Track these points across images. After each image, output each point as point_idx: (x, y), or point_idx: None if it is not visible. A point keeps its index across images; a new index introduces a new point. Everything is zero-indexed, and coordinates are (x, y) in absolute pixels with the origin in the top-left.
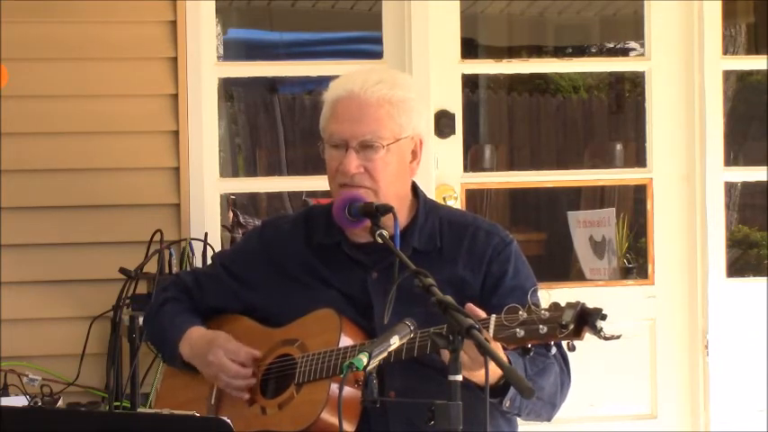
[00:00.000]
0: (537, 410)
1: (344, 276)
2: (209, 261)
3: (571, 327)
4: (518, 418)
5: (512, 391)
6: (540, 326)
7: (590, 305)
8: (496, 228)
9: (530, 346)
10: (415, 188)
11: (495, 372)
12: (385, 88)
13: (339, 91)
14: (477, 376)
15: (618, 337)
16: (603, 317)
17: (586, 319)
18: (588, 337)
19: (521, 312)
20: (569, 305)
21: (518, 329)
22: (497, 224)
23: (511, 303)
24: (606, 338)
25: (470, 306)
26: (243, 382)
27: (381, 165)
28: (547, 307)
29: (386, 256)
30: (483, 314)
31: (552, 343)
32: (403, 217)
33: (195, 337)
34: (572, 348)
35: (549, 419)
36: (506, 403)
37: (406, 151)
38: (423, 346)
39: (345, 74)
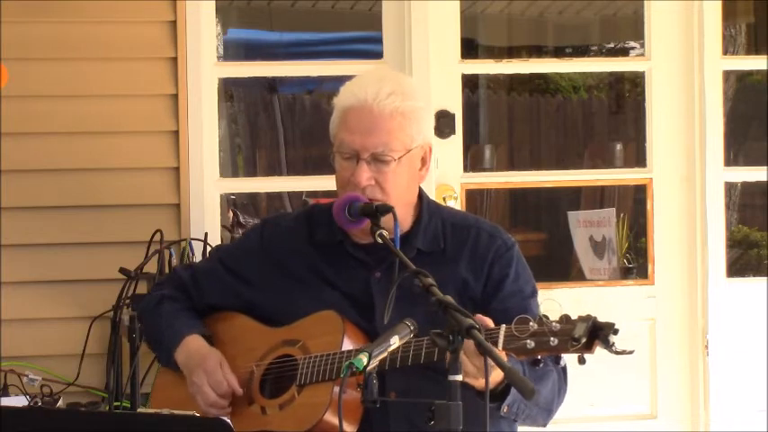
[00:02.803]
0: (533, 416)
1: (347, 276)
2: None
3: (583, 340)
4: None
5: (510, 397)
6: (551, 338)
7: (601, 319)
8: (499, 230)
9: (539, 357)
10: (418, 190)
11: (494, 378)
12: (398, 100)
13: (351, 99)
14: (480, 383)
15: (630, 352)
16: (616, 331)
17: (598, 334)
18: None
19: (531, 324)
20: (581, 318)
21: (528, 341)
22: (499, 226)
23: (510, 307)
24: (617, 353)
25: (479, 317)
26: (217, 413)
27: (392, 177)
28: (557, 319)
29: (388, 256)
30: (491, 324)
31: (561, 355)
32: (407, 219)
33: (191, 349)
34: (582, 362)
35: (544, 425)
36: (504, 409)
37: (416, 160)
38: (429, 353)
39: (355, 79)
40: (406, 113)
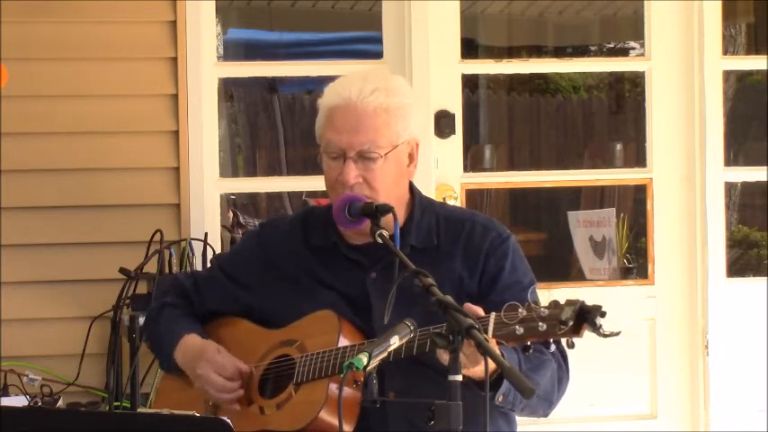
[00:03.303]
0: (532, 407)
1: (343, 277)
2: (208, 261)
3: (570, 324)
4: (517, 418)
5: (504, 386)
6: (540, 323)
7: (589, 302)
8: (493, 223)
9: (529, 343)
10: (410, 187)
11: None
12: (381, 96)
13: (335, 99)
14: (473, 372)
15: (617, 333)
16: (603, 314)
17: (586, 317)
18: (589, 336)
19: (520, 310)
20: (569, 302)
21: (517, 327)
22: (494, 219)
23: (509, 299)
24: (605, 335)
25: (468, 305)
26: (229, 396)
27: (380, 174)
28: (546, 304)
29: (384, 256)
30: (481, 312)
31: (551, 340)
32: (400, 216)
33: (188, 346)
34: (571, 346)
35: (545, 416)
36: (499, 398)
37: (404, 156)
38: (422, 344)
39: (340, 79)
40: (390, 110)
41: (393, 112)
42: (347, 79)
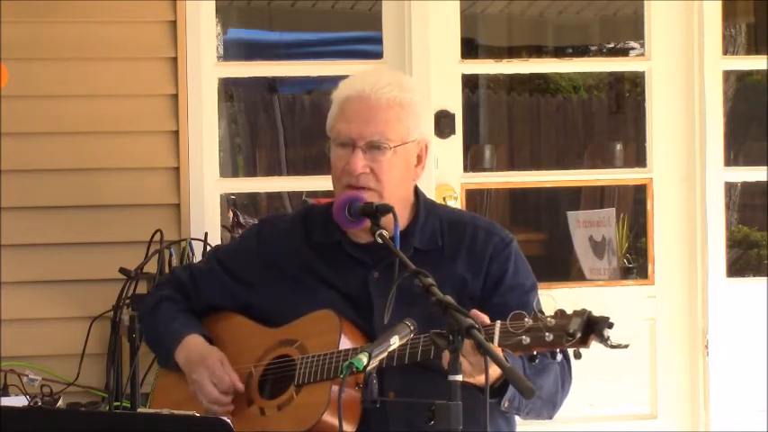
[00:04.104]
0: (537, 410)
1: (345, 275)
2: None
3: (578, 335)
4: (517, 418)
5: (510, 391)
6: (546, 333)
7: (596, 313)
8: (495, 227)
9: (535, 353)
10: (415, 189)
11: (493, 373)
12: (395, 90)
13: (348, 91)
14: (478, 380)
15: (626, 345)
16: (611, 325)
17: (593, 328)
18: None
19: (526, 319)
20: (576, 313)
21: (524, 336)
22: (496, 223)
23: (510, 301)
24: (613, 347)
25: (476, 312)
26: (220, 409)
27: (387, 166)
28: (552, 314)
29: (387, 256)
30: (488, 320)
31: (557, 350)
32: (404, 218)
33: (192, 348)
34: (578, 356)
35: (549, 418)
36: (505, 404)
37: (412, 155)
38: (426, 351)
39: (354, 74)
40: (403, 104)
41: (405, 107)
42: (361, 74)
